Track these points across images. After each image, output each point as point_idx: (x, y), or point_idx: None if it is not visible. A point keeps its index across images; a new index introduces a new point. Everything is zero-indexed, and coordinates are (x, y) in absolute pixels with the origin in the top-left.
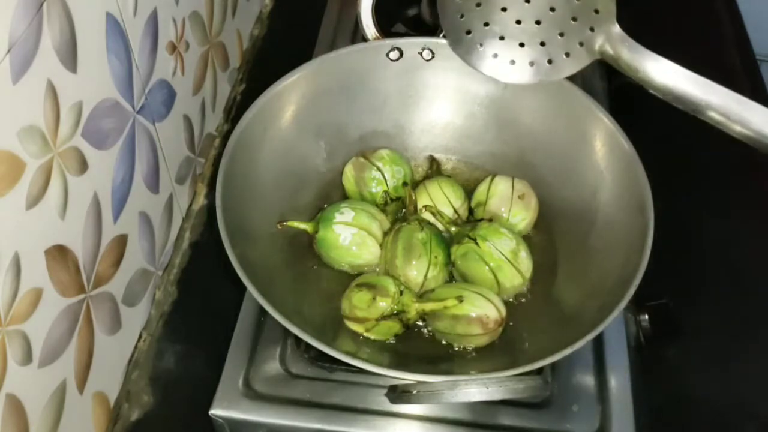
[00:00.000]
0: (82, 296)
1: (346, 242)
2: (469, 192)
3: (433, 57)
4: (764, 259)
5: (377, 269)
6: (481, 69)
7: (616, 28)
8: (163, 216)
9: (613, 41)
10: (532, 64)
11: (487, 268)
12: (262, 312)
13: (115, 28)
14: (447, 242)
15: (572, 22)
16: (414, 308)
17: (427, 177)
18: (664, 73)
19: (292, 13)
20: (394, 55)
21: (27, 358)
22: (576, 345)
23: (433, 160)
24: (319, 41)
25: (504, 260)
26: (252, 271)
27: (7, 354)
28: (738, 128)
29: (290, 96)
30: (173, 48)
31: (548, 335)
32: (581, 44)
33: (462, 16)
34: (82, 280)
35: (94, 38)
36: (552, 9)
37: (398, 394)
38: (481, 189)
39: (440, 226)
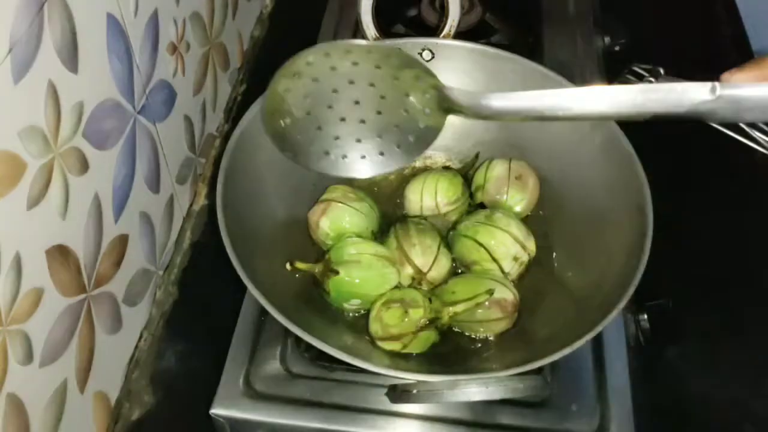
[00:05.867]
0: (82, 296)
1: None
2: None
3: (433, 57)
4: (764, 259)
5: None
6: (312, 167)
7: (445, 90)
8: (163, 216)
9: (451, 101)
10: (364, 157)
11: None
12: (262, 312)
13: (116, 28)
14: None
15: (405, 113)
16: (446, 312)
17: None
18: (500, 100)
19: (293, 13)
20: None
21: (28, 357)
22: (575, 345)
23: None
24: (319, 41)
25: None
26: (252, 271)
27: (8, 354)
28: (566, 115)
29: None
30: (174, 48)
31: (548, 335)
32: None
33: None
34: (83, 279)
35: (95, 39)
36: (378, 112)
37: (398, 393)
38: (480, 172)
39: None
